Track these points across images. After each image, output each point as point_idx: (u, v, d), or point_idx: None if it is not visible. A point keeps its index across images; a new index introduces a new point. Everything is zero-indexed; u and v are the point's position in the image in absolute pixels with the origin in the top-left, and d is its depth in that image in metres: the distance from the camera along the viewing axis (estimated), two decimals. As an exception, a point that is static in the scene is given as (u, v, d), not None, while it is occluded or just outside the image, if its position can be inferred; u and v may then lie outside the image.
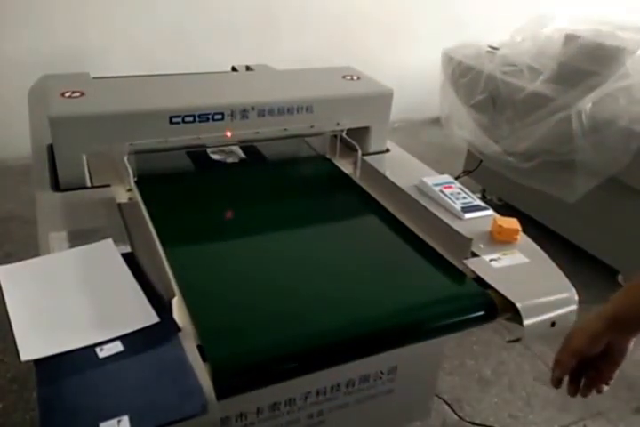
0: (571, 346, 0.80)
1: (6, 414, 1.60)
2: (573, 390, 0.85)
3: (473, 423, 1.68)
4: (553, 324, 0.99)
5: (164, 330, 0.88)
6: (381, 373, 1.15)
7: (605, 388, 0.85)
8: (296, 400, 1.05)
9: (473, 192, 1.35)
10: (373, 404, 1.18)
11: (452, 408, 1.70)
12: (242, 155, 1.54)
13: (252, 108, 1.35)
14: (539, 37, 2.38)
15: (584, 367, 0.83)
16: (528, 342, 1.98)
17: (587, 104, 2.00)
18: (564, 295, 1.04)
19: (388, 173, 1.39)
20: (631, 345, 0.81)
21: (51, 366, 0.81)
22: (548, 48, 2.30)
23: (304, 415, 1.08)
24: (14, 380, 1.70)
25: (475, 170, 2.69)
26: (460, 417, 1.68)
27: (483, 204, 1.29)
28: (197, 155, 1.51)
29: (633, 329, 0.79)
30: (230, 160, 1.51)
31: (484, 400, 1.78)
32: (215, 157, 1.51)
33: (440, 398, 1.69)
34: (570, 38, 2.19)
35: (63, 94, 1.28)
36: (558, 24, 2.41)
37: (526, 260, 1.11)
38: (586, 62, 2.09)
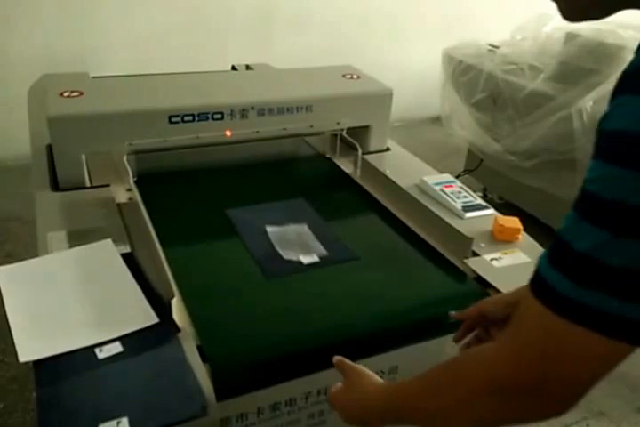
0: (480, 301, 0.86)
1: (7, 413, 1.60)
2: (458, 338, 0.90)
3: (474, 423, 1.67)
4: (554, 323, 0.99)
5: (163, 331, 0.88)
6: (382, 372, 1.14)
7: None
8: (297, 400, 1.04)
9: (474, 191, 1.35)
10: (374, 404, 1.18)
11: (453, 408, 1.69)
12: (322, 249, 1.13)
13: (252, 108, 1.35)
14: (539, 36, 2.37)
15: (481, 327, 0.87)
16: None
17: (587, 103, 1.99)
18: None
19: (388, 173, 1.39)
20: None
21: (50, 368, 0.80)
22: (548, 46, 2.29)
23: (305, 415, 1.08)
24: (15, 380, 1.70)
25: (475, 169, 2.68)
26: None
27: (484, 203, 1.29)
28: (265, 252, 1.12)
29: None
30: (308, 261, 1.10)
31: (485, 400, 1.77)
32: (288, 255, 1.11)
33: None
34: (570, 37, 2.18)
35: (62, 94, 1.27)
36: (559, 22, 2.40)
37: (528, 259, 1.11)
38: (586, 61, 2.09)
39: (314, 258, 1.10)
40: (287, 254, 1.10)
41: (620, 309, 0.41)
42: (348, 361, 0.80)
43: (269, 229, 1.18)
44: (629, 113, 0.40)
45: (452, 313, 0.91)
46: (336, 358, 0.81)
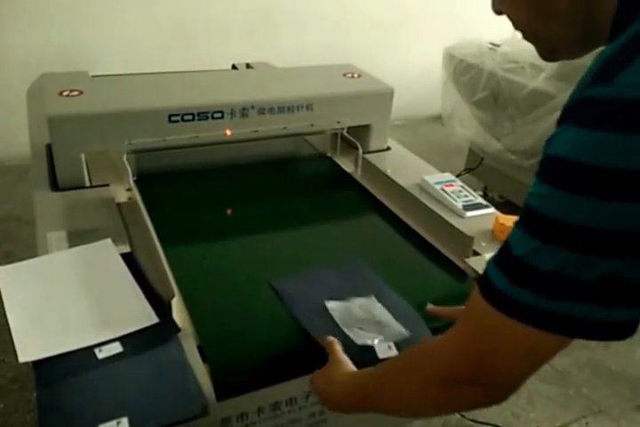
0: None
1: (7, 414, 1.60)
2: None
3: (475, 422, 1.67)
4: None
5: (163, 331, 0.88)
6: (383, 372, 1.14)
7: None
8: (297, 400, 1.04)
9: (474, 190, 1.34)
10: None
11: (453, 406, 1.69)
12: (402, 329, 0.90)
13: (252, 107, 1.34)
14: (540, 34, 2.36)
15: None
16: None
17: (588, 101, 1.98)
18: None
19: (389, 172, 1.38)
20: None
21: (49, 368, 0.80)
22: (549, 45, 2.29)
23: (305, 415, 1.08)
24: (15, 380, 1.70)
25: (476, 168, 2.68)
26: (462, 415, 1.68)
27: (484, 202, 1.28)
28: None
29: None
30: (382, 346, 0.87)
31: (486, 399, 1.77)
32: (360, 340, 0.87)
33: (442, 396, 1.69)
34: (571, 35, 2.17)
35: (61, 93, 1.27)
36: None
37: (528, 258, 1.10)
38: (587, 59, 2.08)
39: (393, 351, 0.86)
40: (359, 338, 0.87)
41: (547, 305, 0.46)
42: (336, 347, 0.82)
43: (330, 305, 0.95)
44: (565, 141, 0.45)
45: (430, 307, 0.91)
46: (330, 339, 0.83)
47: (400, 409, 0.65)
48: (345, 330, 0.89)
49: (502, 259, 0.50)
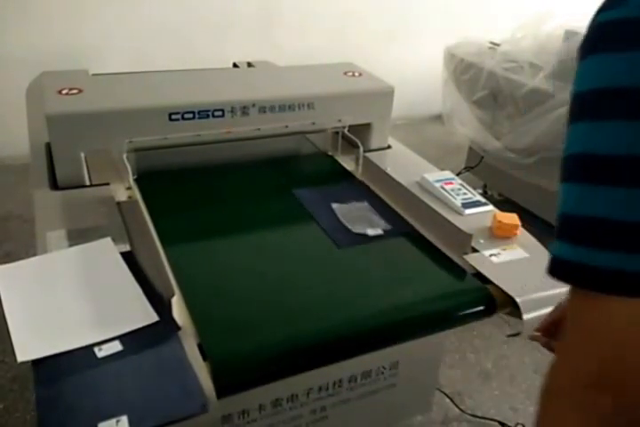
0: (552, 310, 0.83)
1: (7, 414, 1.60)
2: (533, 338, 0.87)
3: (474, 416, 1.68)
4: (553, 318, 0.99)
5: (163, 329, 0.88)
6: (383, 368, 1.14)
7: None
8: (298, 397, 1.04)
9: (474, 188, 1.35)
10: (376, 399, 1.18)
11: (453, 402, 1.70)
12: (385, 224, 1.25)
13: (253, 105, 1.34)
14: (539, 34, 2.36)
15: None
16: (528, 336, 1.98)
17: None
18: (563, 290, 1.02)
19: (389, 170, 1.39)
20: None
21: (49, 367, 0.80)
22: (548, 44, 2.29)
23: (307, 411, 1.08)
24: (15, 380, 1.70)
25: (476, 166, 2.68)
26: (461, 410, 1.68)
27: (483, 199, 1.28)
28: (334, 225, 1.24)
29: None
30: (371, 231, 1.22)
31: (485, 393, 1.77)
32: (356, 229, 1.22)
33: (441, 391, 1.69)
34: (570, 34, 2.17)
35: (60, 91, 1.27)
36: (559, 20, 2.39)
37: (526, 255, 1.10)
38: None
39: (378, 231, 1.21)
40: (355, 228, 1.21)
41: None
42: None
43: (334, 205, 1.29)
44: (579, 74, 0.43)
45: (530, 336, 0.87)
46: None
47: None
48: (346, 224, 1.23)
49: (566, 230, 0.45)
